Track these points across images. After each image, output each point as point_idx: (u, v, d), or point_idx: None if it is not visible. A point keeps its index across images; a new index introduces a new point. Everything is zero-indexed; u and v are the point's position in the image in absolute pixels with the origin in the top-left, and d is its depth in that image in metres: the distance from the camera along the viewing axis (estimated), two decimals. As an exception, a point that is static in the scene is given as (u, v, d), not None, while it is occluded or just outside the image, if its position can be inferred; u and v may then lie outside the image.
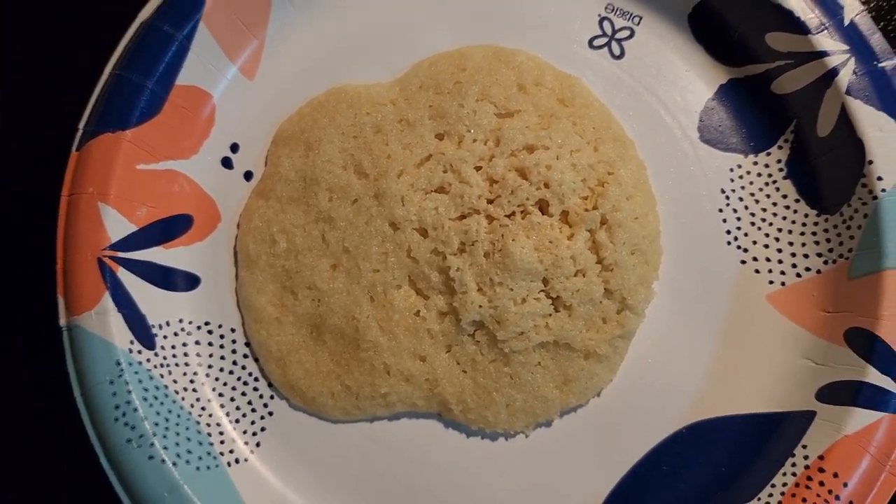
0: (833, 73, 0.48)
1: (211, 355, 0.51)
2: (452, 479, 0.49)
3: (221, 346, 0.51)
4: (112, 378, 0.46)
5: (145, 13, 0.51)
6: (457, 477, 0.49)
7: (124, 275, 0.49)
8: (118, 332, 0.47)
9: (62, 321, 0.48)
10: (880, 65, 0.48)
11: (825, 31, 0.48)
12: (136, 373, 0.47)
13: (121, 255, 0.49)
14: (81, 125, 0.50)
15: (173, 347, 0.50)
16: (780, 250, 0.51)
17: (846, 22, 0.49)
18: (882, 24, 0.55)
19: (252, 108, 0.54)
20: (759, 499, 0.46)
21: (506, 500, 0.49)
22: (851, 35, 0.49)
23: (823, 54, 0.48)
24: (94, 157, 0.49)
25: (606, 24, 0.54)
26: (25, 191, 0.55)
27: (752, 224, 0.51)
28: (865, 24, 0.49)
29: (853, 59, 0.48)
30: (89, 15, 0.56)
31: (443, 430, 0.50)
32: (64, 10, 0.57)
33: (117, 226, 0.49)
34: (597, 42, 0.54)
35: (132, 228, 0.49)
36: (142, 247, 0.50)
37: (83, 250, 0.48)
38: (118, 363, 0.47)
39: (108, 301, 0.47)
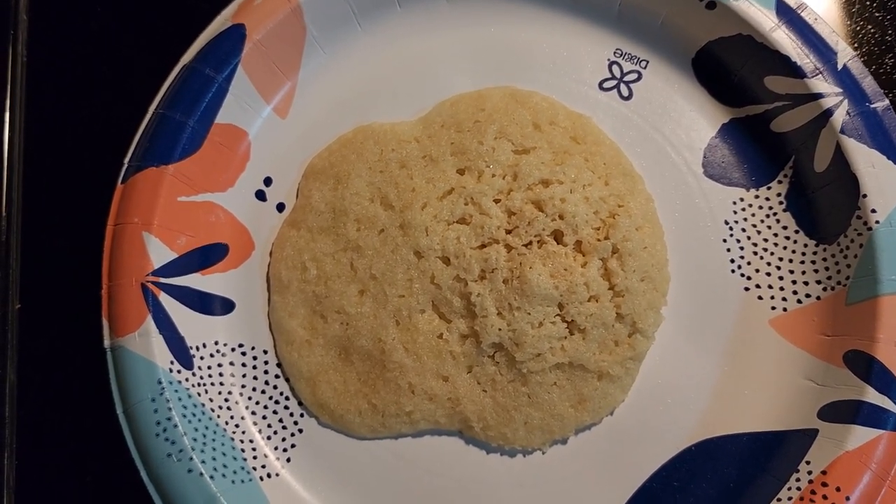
0: (828, 113, 0.51)
1: (245, 375, 0.54)
2: (473, 492, 0.52)
3: (254, 367, 0.54)
4: (154, 396, 0.49)
5: (187, 57, 0.54)
6: (477, 491, 0.52)
7: (165, 299, 0.52)
8: (160, 353, 0.50)
9: (106, 342, 0.50)
10: (872, 106, 0.51)
11: (820, 75, 0.52)
12: (176, 391, 0.50)
13: (162, 280, 0.52)
14: (127, 160, 0.53)
15: (209, 368, 0.53)
16: (781, 278, 0.54)
17: (839, 66, 0.52)
18: (873, 67, 0.58)
19: (285, 145, 0.57)
20: (765, 512, 0.49)
21: (524, 515, 0.51)
22: (844, 78, 0.52)
23: (819, 96, 0.52)
24: (139, 189, 0.52)
25: (615, 68, 0.58)
26: (69, 221, 0.58)
27: (755, 253, 0.54)
28: (857, 68, 0.52)
29: (846, 101, 0.51)
30: (133, 59, 0.60)
31: (464, 447, 0.53)
32: (109, 55, 0.61)
33: (159, 253, 0.52)
34: (606, 84, 0.57)
35: (173, 256, 0.53)
36: (181, 273, 0.53)
37: (128, 276, 0.51)
38: (159, 382, 0.49)
39: (150, 324, 0.50)
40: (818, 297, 0.53)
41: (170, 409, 0.49)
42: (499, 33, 0.58)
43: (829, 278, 0.52)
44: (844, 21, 0.60)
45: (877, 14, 0.59)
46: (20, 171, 0.59)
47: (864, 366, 0.49)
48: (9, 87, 0.60)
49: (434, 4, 0.58)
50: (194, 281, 0.54)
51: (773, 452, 0.51)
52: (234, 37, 0.54)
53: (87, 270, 0.53)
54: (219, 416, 0.52)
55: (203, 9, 0.56)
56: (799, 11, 0.53)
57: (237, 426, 0.52)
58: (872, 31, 0.59)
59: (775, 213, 0.54)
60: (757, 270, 0.54)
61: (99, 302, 0.51)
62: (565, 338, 0.51)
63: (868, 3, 0.60)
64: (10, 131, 0.59)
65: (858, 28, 0.59)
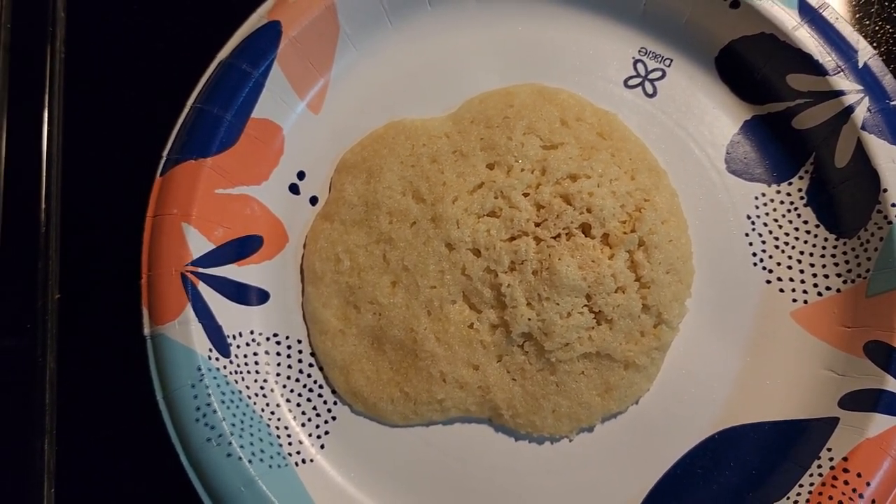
0: (849, 110, 0.53)
1: (279, 364, 0.55)
2: (501, 478, 0.53)
3: (289, 356, 0.55)
4: (193, 382, 0.51)
5: (224, 53, 0.56)
6: (505, 477, 0.53)
7: (204, 289, 0.53)
8: (199, 341, 0.51)
9: (146, 330, 0.52)
10: (892, 103, 0.53)
11: (841, 73, 0.53)
12: (215, 378, 0.51)
13: (201, 270, 0.53)
14: (166, 153, 0.54)
15: (246, 356, 0.54)
16: (802, 271, 0.55)
17: (860, 64, 0.54)
18: (892, 66, 0.59)
19: (318, 140, 0.58)
20: (788, 497, 0.50)
21: (551, 499, 0.53)
22: (865, 76, 0.53)
23: (840, 94, 0.53)
24: (178, 181, 0.53)
25: (640, 66, 0.59)
26: (108, 213, 0.59)
27: (776, 247, 0.55)
28: (878, 66, 0.54)
29: (867, 98, 0.53)
30: (171, 54, 0.62)
31: (493, 434, 0.54)
32: (147, 51, 0.62)
33: (198, 244, 0.53)
34: (631, 82, 0.59)
35: (211, 246, 0.54)
36: (219, 263, 0.54)
37: (168, 265, 0.52)
38: (199, 369, 0.51)
39: (190, 312, 0.52)
40: (838, 290, 0.54)
41: (209, 395, 0.51)
42: (526, 32, 0.60)
43: (849, 271, 0.54)
44: (863, 21, 0.61)
45: (895, 14, 0.61)
46: (59, 165, 0.60)
47: (884, 356, 0.50)
48: (48, 82, 0.61)
49: (463, 3, 0.60)
50: (231, 271, 0.55)
51: (795, 440, 0.52)
52: (271, 33, 0.55)
53: (125, 261, 0.55)
54: (255, 403, 0.53)
55: (239, 6, 0.57)
56: (821, 10, 0.54)
57: (273, 413, 0.54)
58: (891, 30, 0.60)
59: (796, 208, 0.56)
60: (779, 264, 0.55)
61: (137, 291, 0.53)
62: (593, 328, 0.52)
63: (887, 3, 0.61)
64: (49, 125, 0.60)
65: (877, 28, 0.61)
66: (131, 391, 0.54)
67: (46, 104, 0.61)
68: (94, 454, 0.56)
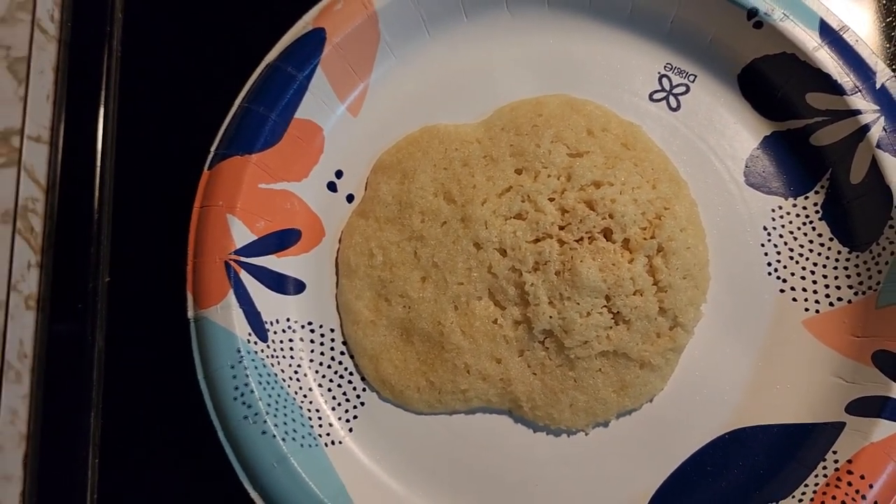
0: (865, 129, 0.55)
1: (313, 350, 0.58)
2: (519, 467, 0.56)
3: (322, 343, 0.58)
4: (233, 363, 0.54)
5: (271, 56, 0.59)
6: (523, 466, 0.56)
7: (245, 277, 0.56)
8: (239, 325, 0.55)
9: (190, 314, 0.55)
10: (907, 123, 0.55)
11: (859, 93, 0.56)
12: (253, 360, 0.54)
13: (243, 259, 0.56)
14: (213, 148, 0.58)
15: (282, 342, 0.57)
16: (815, 282, 0.57)
17: (878, 85, 0.56)
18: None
19: (355, 141, 0.62)
20: (793, 496, 0.52)
21: (565, 488, 0.55)
22: (882, 97, 0.55)
23: (857, 112, 0.55)
24: (224, 175, 0.57)
25: (665, 81, 0.62)
26: (157, 203, 0.63)
27: (791, 258, 0.58)
28: (895, 88, 0.56)
29: (883, 118, 0.55)
30: (221, 56, 0.66)
31: (512, 425, 0.57)
32: (198, 52, 0.66)
33: (241, 234, 0.56)
34: (656, 96, 0.62)
35: (252, 238, 0.57)
36: (259, 254, 0.58)
37: (212, 253, 0.56)
38: (238, 351, 0.54)
39: (232, 297, 0.55)
40: (849, 301, 0.56)
41: (247, 375, 0.54)
42: (557, 45, 0.63)
43: (860, 283, 0.56)
44: (883, 44, 0.63)
45: (914, 38, 0.63)
46: (113, 157, 0.64)
47: (891, 365, 0.52)
48: (104, 79, 0.65)
49: (497, 16, 0.63)
50: (270, 262, 0.58)
51: (802, 443, 0.54)
52: (316, 39, 0.59)
53: (172, 248, 0.58)
54: (289, 386, 0.56)
55: (285, 13, 0.60)
56: (841, 33, 0.57)
57: (305, 396, 0.57)
58: (910, 54, 0.63)
59: (811, 222, 0.58)
60: (792, 274, 0.57)
61: (182, 277, 0.56)
62: (611, 328, 0.55)
63: (907, 27, 0.63)
64: (104, 119, 0.64)
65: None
66: (174, 370, 0.57)
67: (102, 99, 0.64)
68: (138, 429, 0.60)
